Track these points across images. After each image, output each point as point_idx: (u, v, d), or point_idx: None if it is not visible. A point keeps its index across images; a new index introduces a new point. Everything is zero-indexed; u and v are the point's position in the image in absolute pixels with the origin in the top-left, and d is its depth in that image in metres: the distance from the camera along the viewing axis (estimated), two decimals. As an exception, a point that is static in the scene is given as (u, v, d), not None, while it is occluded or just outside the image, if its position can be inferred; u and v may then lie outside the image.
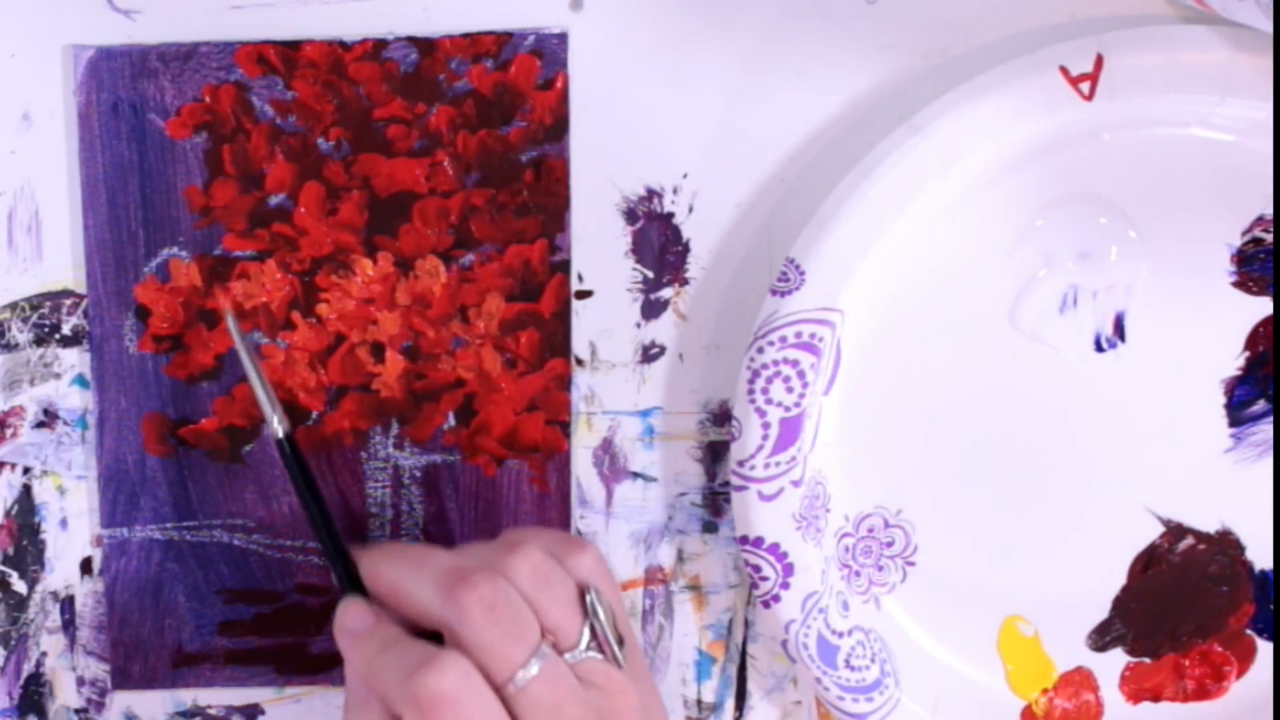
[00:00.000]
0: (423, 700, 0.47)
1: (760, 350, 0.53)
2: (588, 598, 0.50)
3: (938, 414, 0.55)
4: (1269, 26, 0.50)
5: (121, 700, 0.58)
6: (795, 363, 0.53)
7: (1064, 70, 0.51)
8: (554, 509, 0.56)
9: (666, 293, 0.56)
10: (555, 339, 0.55)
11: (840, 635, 0.55)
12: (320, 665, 0.57)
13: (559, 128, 0.54)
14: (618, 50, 0.54)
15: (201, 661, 0.57)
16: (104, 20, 0.54)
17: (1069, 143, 0.53)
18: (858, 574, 0.56)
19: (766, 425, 0.53)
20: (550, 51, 0.54)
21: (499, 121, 0.54)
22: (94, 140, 0.55)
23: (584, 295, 0.56)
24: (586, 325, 0.56)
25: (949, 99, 0.52)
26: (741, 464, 0.53)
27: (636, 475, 0.57)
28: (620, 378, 0.56)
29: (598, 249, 0.55)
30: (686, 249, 0.56)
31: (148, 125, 0.55)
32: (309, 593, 0.56)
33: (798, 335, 0.53)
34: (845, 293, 0.53)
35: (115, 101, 0.54)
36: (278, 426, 0.53)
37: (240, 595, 0.57)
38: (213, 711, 0.58)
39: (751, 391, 0.53)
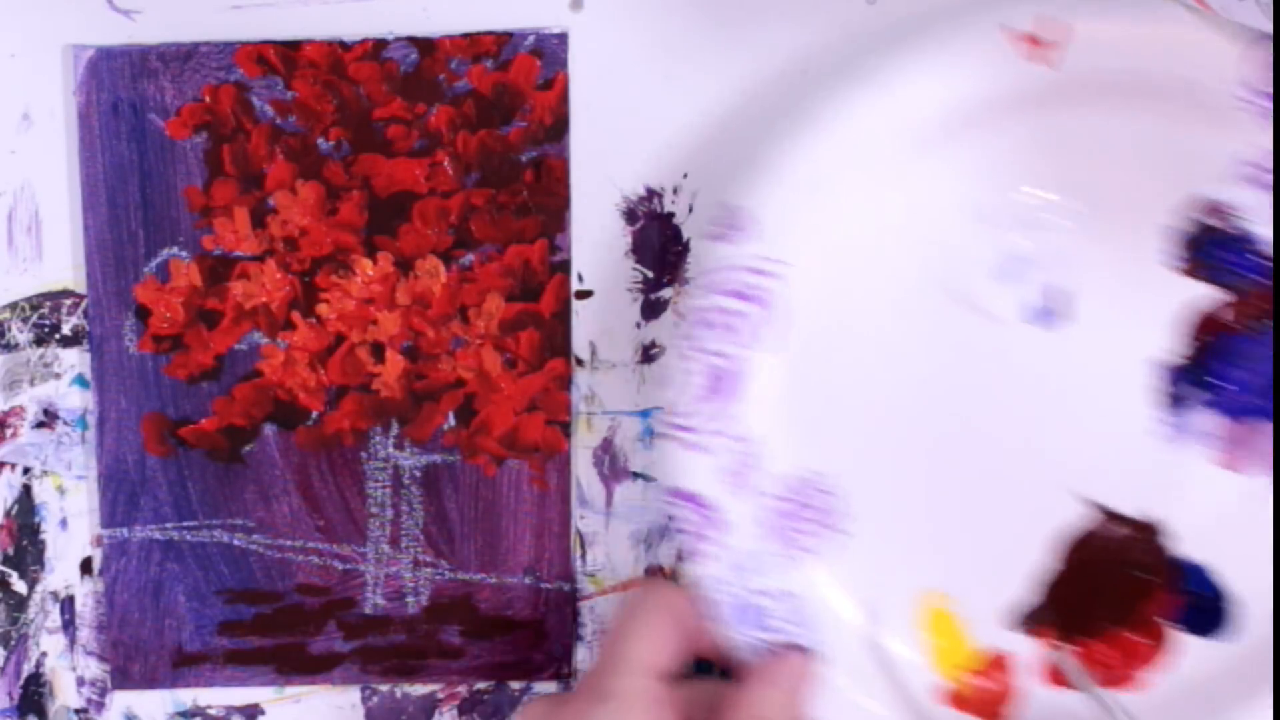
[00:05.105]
0: None
1: (699, 297, 0.52)
2: None
3: (875, 380, 0.54)
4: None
5: (121, 700, 0.58)
6: (733, 312, 0.52)
7: (1020, 35, 0.51)
8: (554, 509, 0.56)
9: (666, 293, 0.56)
10: (555, 339, 0.55)
11: (762, 596, 0.54)
12: (320, 665, 0.57)
13: (559, 128, 0.54)
14: (618, 50, 0.54)
15: (201, 661, 0.57)
16: (104, 20, 0.54)
17: (1019, 111, 0.52)
18: (784, 536, 0.55)
19: (701, 376, 0.53)
20: (550, 51, 0.54)
21: (499, 121, 0.54)
22: (94, 140, 0.55)
23: (584, 295, 0.56)
24: (586, 325, 0.56)
25: (903, 55, 0.51)
26: (673, 414, 0.53)
27: (636, 475, 0.57)
28: (620, 378, 0.56)
29: (598, 249, 0.55)
30: (686, 249, 0.56)
31: (148, 125, 0.55)
32: (309, 593, 0.57)
33: (738, 284, 0.52)
34: (789, 244, 0.52)
35: (115, 101, 0.54)
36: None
37: (240, 595, 0.57)
38: (213, 711, 0.58)
39: (688, 340, 0.53)
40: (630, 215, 0.55)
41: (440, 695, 0.57)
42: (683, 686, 0.53)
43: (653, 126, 0.55)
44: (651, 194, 0.55)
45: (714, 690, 0.53)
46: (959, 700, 0.55)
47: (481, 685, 0.57)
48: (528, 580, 0.56)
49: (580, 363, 0.56)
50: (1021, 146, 0.53)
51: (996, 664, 0.56)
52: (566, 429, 0.56)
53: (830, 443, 0.55)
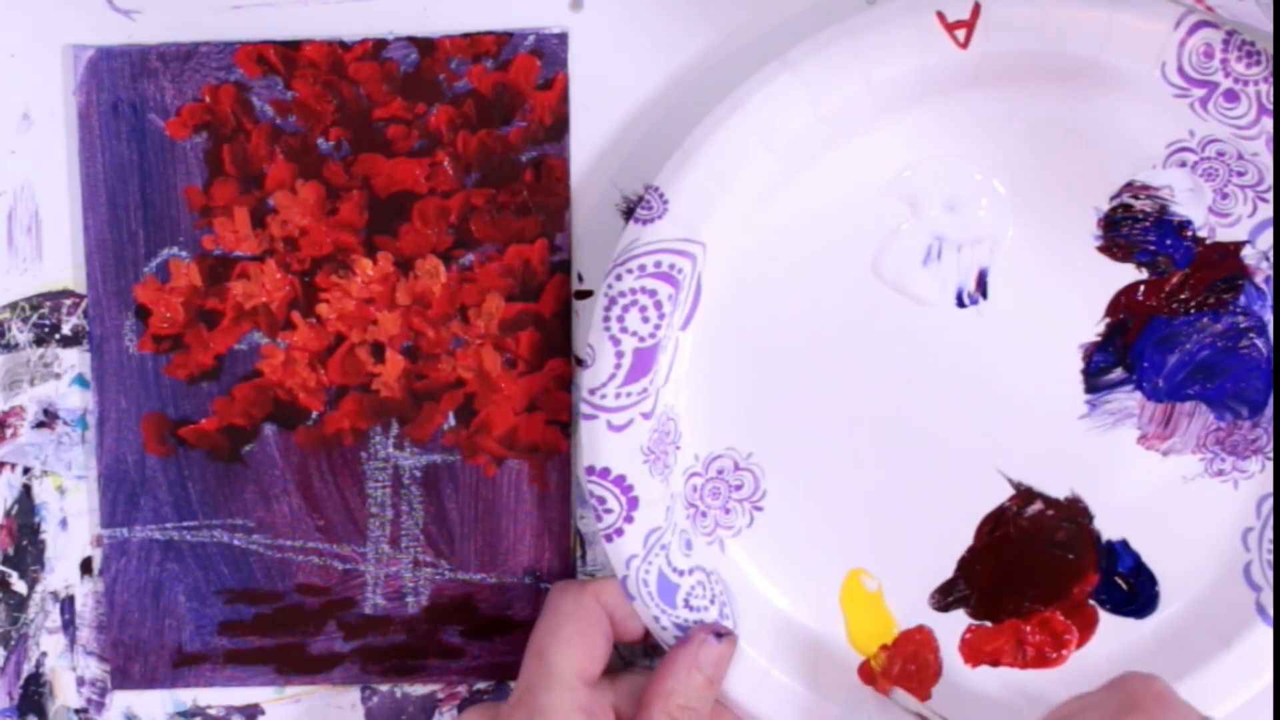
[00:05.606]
0: None
1: (618, 278, 0.52)
2: None
3: (795, 359, 0.54)
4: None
5: (121, 700, 0.58)
6: (653, 293, 0.53)
7: (940, 16, 0.51)
8: (554, 509, 0.56)
9: (666, 293, 0.56)
10: (555, 339, 0.55)
11: (681, 574, 0.54)
12: (320, 665, 0.57)
13: (559, 128, 0.54)
14: (618, 50, 0.54)
15: (201, 661, 0.57)
16: (104, 20, 0.54)
17: (942, 91, 0.52)
18: (704, 514, 0.55)
19: (620, 354, 0.53)
20: (550, 51, 0.54)
21: (499, 121, 0.54)
22: (94, 140, 0.55)
23: (584, 295, 0.56)
24: (586, 325, 0.56)
25: (824, 36, 0.51)
26: (593, 392, 0.53)
27: (636, 475, 0.57)
28: (620, 378, 0.56)
29: (598, 249, 0.55)
30: (686, 249, 0.56)
31: (148, 125, 0.55)
32: (309, 593, 0.57)
33: (657, 265, 0.52)
34: (708, 225, 0.52)
35: (115, 101, 0.54)
36: None
37: (240, 595, 0.57)
38: (213, 711, 0.58)
39: (607, 319, 0.53)
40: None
41: (440, 695, 0.57)
42: (612, 684, 0.54)
43: (653, 126, 0.55)
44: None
45: (640, 681, 0.54)
46: (881, 678, 0.55)
47: (481, 685, 0.57)
48: (528, 580, 0.56)
49: (580, 362, 0.56)
50: (943, 129, 0.53)
51: (917, 643, 0.56)
52: (566, 429, 0.56)
53: (750, 421, 0.55)
